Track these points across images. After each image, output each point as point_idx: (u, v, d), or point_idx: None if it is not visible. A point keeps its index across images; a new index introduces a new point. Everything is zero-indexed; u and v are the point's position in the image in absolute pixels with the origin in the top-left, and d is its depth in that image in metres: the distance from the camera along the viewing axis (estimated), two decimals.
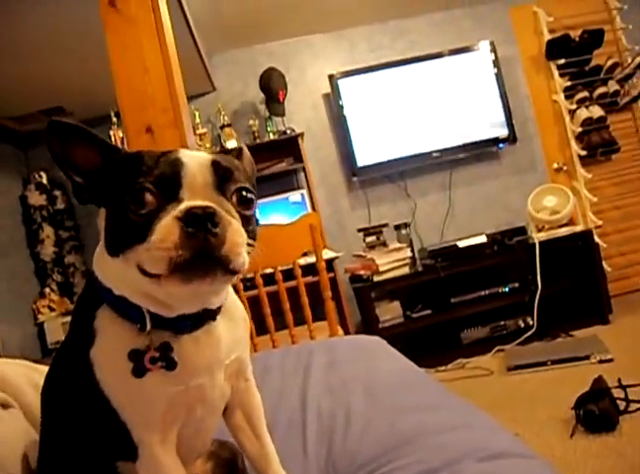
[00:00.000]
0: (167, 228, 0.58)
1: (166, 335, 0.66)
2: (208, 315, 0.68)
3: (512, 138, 4.24)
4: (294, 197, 4.01)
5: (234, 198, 0.64)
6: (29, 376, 0.94)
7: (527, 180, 4.30)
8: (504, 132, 4.22)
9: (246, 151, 0.77)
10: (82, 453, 0.74)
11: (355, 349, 1.50)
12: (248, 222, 0.64)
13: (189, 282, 0.58)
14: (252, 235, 0.64)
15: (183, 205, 0.59)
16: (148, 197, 0.60)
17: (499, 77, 4.24)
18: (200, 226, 0.57)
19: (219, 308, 0.70)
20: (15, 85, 3.58)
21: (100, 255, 0.69)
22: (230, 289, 0.76)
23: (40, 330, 4.01)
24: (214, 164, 0.63)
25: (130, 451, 0.67)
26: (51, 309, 4.10)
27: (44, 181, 4.31)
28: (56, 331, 3.95)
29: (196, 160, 0.63)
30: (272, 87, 3.92)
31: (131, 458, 0.68)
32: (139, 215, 0.59)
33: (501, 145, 4.26)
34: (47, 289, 4.20)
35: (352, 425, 0.96)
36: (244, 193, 0.65)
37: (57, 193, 4.34)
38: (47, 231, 4.25)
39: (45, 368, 0.99)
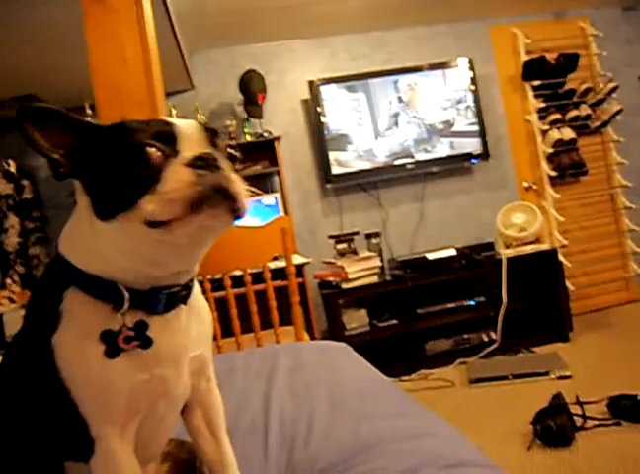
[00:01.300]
0: (178, 173, 0.59)
1: (139, 315, 0.65)
2: (180, 297, 0.68)
3: (485, 155, 4.31)
4: (268, 200, 4.00)
5: (226, 153, 0.66)
6: None
7: (498, 196, 4.38)
8: (478, 148, 4.29)
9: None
10: (28, 452, 0.71)
11: (320, 354, 1.50)
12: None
13: (200, 214, 0.58)
14: None
15: (188, 154, 0.61)
16: (151, 150, 0.60)
17: (475, 94, 4.31)
18: (209, 168, 0.60)
19: (189, 293, 0.70)
20: None
21: (72, 232, 0.68)
22: (198, 289, 0.75)
23: (0, 322, 3.90)
24: (200, 124, 0.66)
25: (84, 449, 0.65)
26: (12, 301, 4.00)
27: (12, 169, 4.21)
28: (15, 323, 3.84)
29: (182, 122, 0.65)
30: (251, 89, 3.91)
31: (82, 458, 0.66)
32: (146, 168, 0.60)
33: (474, 161, 4.32)
34: (9, 280, 4.09)
35: (314, 430, 0.95)
36: (232, 150, 0.67)
37: (25, 182, 4.24)
38: (12, 221, 4.14)
39: None
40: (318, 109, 4.13)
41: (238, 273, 2.29)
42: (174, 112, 4.02)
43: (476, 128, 4.29)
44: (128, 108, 1.93)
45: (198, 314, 0.73)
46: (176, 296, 0.68)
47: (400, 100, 4.27)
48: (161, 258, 0.64)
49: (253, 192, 0.65)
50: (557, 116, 4.43)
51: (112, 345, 0.63)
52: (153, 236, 0.60)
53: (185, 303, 0.69)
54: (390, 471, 0.75)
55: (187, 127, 0.64)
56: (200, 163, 0.60)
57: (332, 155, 4.13)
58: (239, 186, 0.62)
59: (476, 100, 4.31)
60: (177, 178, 0.59)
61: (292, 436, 0.96)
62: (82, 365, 0.63)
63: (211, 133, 0.66)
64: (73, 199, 4.36)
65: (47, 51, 3.31)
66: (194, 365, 0.72)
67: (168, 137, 0.62)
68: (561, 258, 4.00)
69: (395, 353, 3.70)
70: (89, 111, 3.84)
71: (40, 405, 0.67)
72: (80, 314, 0.64)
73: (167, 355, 0.67)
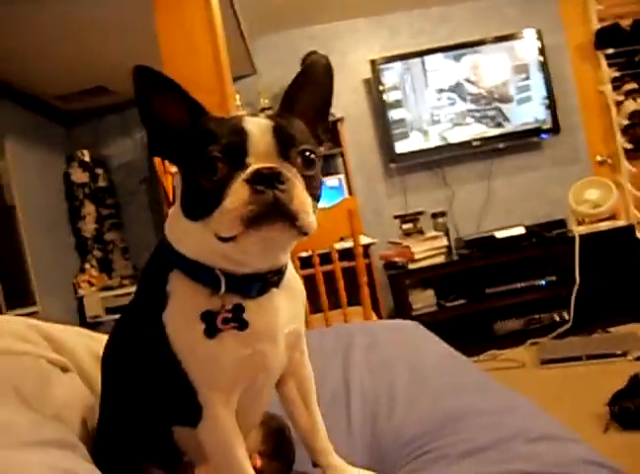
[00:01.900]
0: (237, 191, 0.61)
1: (235, 298, 0.69)
2: (273, 282, 0.71)
3: (555, 129, 4.15)
4: (332, 181, 4.02)
5: (298, 160, 0.66)
6: (87, 344, 0.98)
7: (569, 172, 4.22)
8: (547, 123, 4.14)
9: (318, 63, 0.75)
10: (140, 416, 0.77)
11: (394, 332, 1.51)
12: (312, 182, 0.67)
13: (259, 230, 0.61)
14: (316, 196, 0.67)
15: (249, 169, 0.62)
16: (219, 164, 0.63)
17: (544, 66, 4.15)
18: (267, 184, 0.61)
19: (281, 278, 0.73)
20: (60, 65, 3.67)
21: (174, 220, 0.72)
22: (290, 266, 0.78)
23: (80, 304, 4.13)
24: (276, 130, 0.65)
25: (191, 414, 0.70)
26: (91, 284, 4.22)
27: (87, 158, 4.41)
28: (95, 305, 4.07)
29: (258, 128, 0.65)
30: None
31: (190, 422, 0.71)
32: (211, 182, 0.63)
33: (543, 136, 4.18)
34: (87, 265, 4.32)
35: (396, 405, 0.97)
36: (307, 154, 0.67)
37: (99, 170, 4.44)
38: (89, 208, 4.36)
39: (104, 337, 1.02)
40: (380, 88, 4.09)
41: (305, 254, 2.32)
42: (238, 97, 4.09)
43: (545, 102, 4.14)
44: (198, 97, 1.97)
45: (291, 293, 0.76)
46: (268, 282, 0.71)
47: (464, 75, 4.16)
48: (241, 259, 0.67)
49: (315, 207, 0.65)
50: (633, 85, 4.21)
51: (211, 325, 0.67)
52: (227, 245, 0.63)
53: (277, 287, 0.72)
54: (475, 442, 0.76)
55: (259, 136, 0.64)
56: (261, 179, 0.61)
57: (395, 134, 4.09)
58: (299, 203, 0.62)
59: (545, 72, 4.15)
60: (235, 197, 0.61)
61: (374, 410, 0.98)
62: (190, 342, 0.68)
63: (284, 141, 0.65)
64: (144, 186, 4.54)
65: (116, 44, 3.43)
66: (289, 340, 0.76)
67: (238, 150, 0.63)
68: (638, 234, 3.82)
69: (463, 333, 3.66)
70: None
71: (152, 374, 0.72)
72: (183, 295, 0.69)
73: (264, 333, 0.71)
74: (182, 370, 0.68)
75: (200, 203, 0.64)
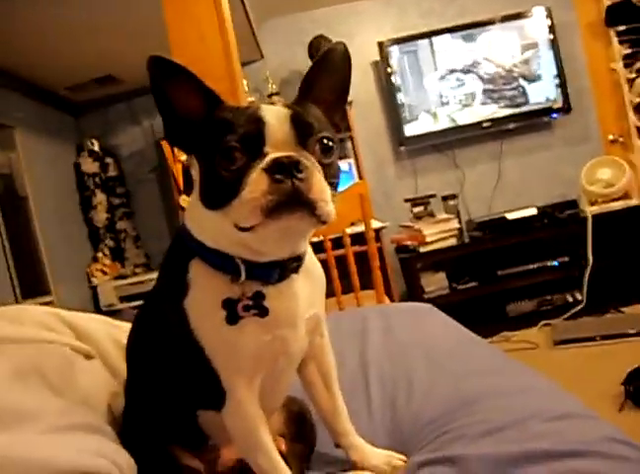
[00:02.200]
0: (256, 180, 0.61)
1: (255, 285, 0.69)
2: (292, 268, 0.72)
3: (566, 108, 4.10)
4: (342, 165, 4.00)
5: (316, 148, 0.66)
6: (109, 332, 0.99)
7: (581, 151, 4.17)
8: (558, 102, 4.09)
9: (337, 50, 0.75)
10: (165, 401, 0.79)
11: (409, 315, 1.51)
12: (330, 170, 0.67)
13: (279, 219, 0.61)
14: (334, 185, 0.67)
15: (268, 158, 0.62)
16: (236, 154, 0.63)
17: (554, 44, 4.09)
18: (286, 173, 0.60)
19: (300, 264, 0.73)
20: (69, 56, 3.67)
21: (193, 209, 0.72)
22: (310, 251, 0.78)
23: (94, 293, 4.18)
24: (294, 118, 0.65)
25: (215, 398, 0.71)
26: (104, 273, 4.26)
27: (97, 148, 4.42)
28: (109, 294, 4.11)
29: (276, 116, 0.65)
30: None
31: (214, 406, 0.72)
32: (229, 172, 0.63)
33: (554, 115, 4.13)
34: (100, 254, 4.35)
35: (414, 389, 0.98)
36: (325, 141, 0.67)
37: (109, 160, 4.45)
38: (100, 198, 4.38)
39: (124, 324, 1.04)
40: (388, 70, 4.06)
41: (316, 239, 2.32)
42: (245, 83, 4.07)
43: (556, 81, 4.09)
44: (209, 83, 1.97)
45: (310, 278, 0.76)
46: (288, 268, 0.71)
47: (473, 55, 4.11)
48: (260, 248, 0.67)
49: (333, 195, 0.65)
50: None
51: (232, 312, 0.68)
52: (246, 234, 0.63)
53: (297, 273, 0.73)
54: (494, 423, 0.77)
55: (277, 124, 0.64)
56: (280, 169, 0.60)
57: (404, 117, 4.06)
58: (318, 192, 0.62)
59: (555, 50, 4.09)
60: (254, 187, 0.61)
61: (393, 394, 0.99)
62: (211, 329, 0.69)
63: (302, 129, 0.65)
64: (155, 175, 4.55)
65: (124, 32, 3.42)
66: (309, 325, 0.77)
67: (256, 139, 0.63)
68: None
69: (476, 315, 3.64)
70: None
71: (176, 360, 0.74)
72: (204, 283, 0.70)
73: (284, 319, 0.72)
74: (205, 357, 0.69)
75: (219, 193, 0.64)
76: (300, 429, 0.88)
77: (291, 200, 0.60)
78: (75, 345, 0.88)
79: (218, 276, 0.69)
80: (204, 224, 0.70)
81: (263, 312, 0.69)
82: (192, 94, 0.68)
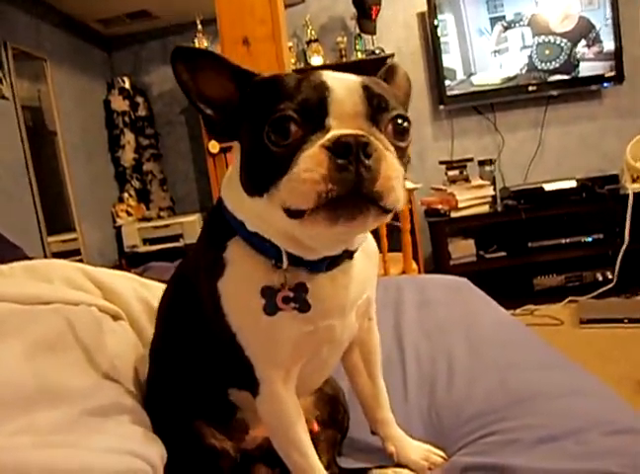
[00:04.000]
0: (314, 158, 0.51)
1: (301, 273, 0.62)
2: (347, 254, 0.64)
3: (619, 78, 3.87)
4: None
5: (389, 128, 0.57)
6: (136, 290, 0.95)
7: (629, 125, 3.96)
8: (611, 70, 3.86)
9: (400, 68, 0.69)
10: (194, 375, 0.74)
11: (445, 290, 1.45)
12: (402, 155, 0.57)
13: (335, 223, 0.52)
14: (405, 169, 0.57)
15: (330, 134, 0.52)
16: (291, 125, 0.53)
17: (614, 8, 3.82)
18: (352, 157, 0.51)
19: (354, 251, 0.66)
20: None
21: (230, 186, 0.64)
22: None
23: (118, 233, 4.17)
24: (366, 89, 0.55)
25: (249, 384, 0.66)
26: (129, 214, 4.24)
27: (127, 86, 4.33)
28: (132, 235, 4.10)
29: (344, 84, 0.55)
30: (365, 1, 3.69)
31: (245, 388, 0.67)
32: (281, 147, 0.53)
33: (605, 84, 3.91)
34: (126, 195, 4.32)
35: (455, 374, 0.92)
36: (400, 121, 0.57)
37: (139, 99, 4.36)
38: (128, 137, 4.31)
39: (152, 284, 0.99)
40: (435, 22, 3.85)
41: None
42: None
43: (611, 47, 3.84)
44: (251, 26, 1.87)
45: (365, 257, 0.69)
46: (341, 257, 0.63)
47: (525, 14, 3.88)
48: (309, 244, 0.59)
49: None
50: None
51: (271, 302, 0.61)
52: (294, 224, 0.54)
53: (351, 258, 0.65)
54: (548, 429, 0.71)
55: (344, 92, 0.54)
56: (343, 150, 0.50)
57: (447, 74, 3.87)
58: (386, 181, 0.52)
59: (614, 15, 3.83)
60: (312, 162, 0.51)
61: (432, 378, 0.94)
62: (246, 316, 0.62)
63: (376, 103, 0.55)
64: (185, 116, 4.46)
65: None
66: (360, 309, 0.70)
67: (318, 108, 0.53)
68: None
69: (501, 285, 3.57)
70: (200, 27, 3.81)
71: (207, 340, 0.68)
72: (242, 265, 0.62)
73: (333, 309, 0.64)
74: (237, 343, 0.63)
75: (266, 172, 0.54)
76: (332, 413, 0.84)
77: (353, 194, 0.51)
78: (103, 305, 0.83)
79: (259, 260, 0.62)
80: (244, 206, 0.61)
81: (304, 307, 0.61)
82: (220, 76, 0.60)
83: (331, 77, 0.56)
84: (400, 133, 0.57)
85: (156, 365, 0.80)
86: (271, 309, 0.61)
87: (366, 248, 0.69)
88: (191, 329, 0.72)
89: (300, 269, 0.62)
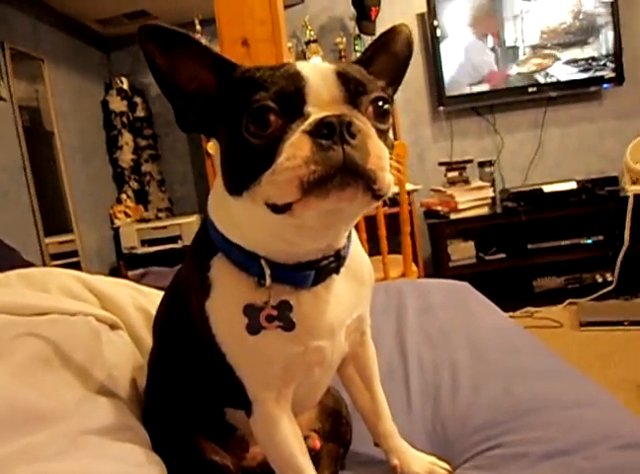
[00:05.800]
0: (295, 144, 0.49)
1: (285, 290, 0.60)
2: (331, 268, 0.62)
3: (619, 79, 3.86)
4: None
5: (369, 111, 0.55)
6: (135, 298, 0.93)
7: (629, 126, 3.95)
8: (610, 72, 3.85)
9: (403, 32, 0.65)
10: (191, 393, 0.72)
11: (447, 294, 1.44)
12: (385, 138, 0.55)
13: (326, 197, 0.49)
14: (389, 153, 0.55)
15: (311, 118, 0.50)
16: (270, 115, 0.51)
17: (614, 8, 3.81)
18: (336, 137, 0.49)
19: (341, 263, 0.63)
20: None
21: (215, 198, 0.63)
22: (355, 236, 0.68)
23: (116, 234, 4.15)
24: (340, 75, 0.54)
25: (242, 403, 0.64)
26: (127, 215, 4.22)
27: (125, 86, 4.31)
28: (131, 237, 4.08)
29: (319, 71, 0.54)
30: (364, 2, 3.68)
31: (241, 407, 0.65)
32: (262, 138, 0.51)
33: (605, 85, 3.90)
34: (124, 196, 4.30)
35: (459, 383, 0.91)
36: (380, 103, 0.55)
37: (138, 100, 4.34)
38: (127, 138, 4.29)
39: (151, 291, 0.98)
40: (435, 23, 3.83)
41: None
42: None
43: (611, 48, 3.83)
44: (250, 27, 1.85)
45: (355, 276, 0.66)
46: (326, 268, 0.61)
47: (525, 16, 3.86)
48: (294, 239, 0.57)
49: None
50: None
51: (254, 321, 0.59)
52: (279, 219, 0.51)
53: (337, 273, 0.63)
54: (556, 443, 0.69)
55: (320, 79, 0.53)
56: (326, 131, 0.48)
57: (446, 75, 3.86)
58: (377, 159, 0.50)
59: (615, 15, 3.82)
60: (294, 152, 0.48)
61: (435, 386, 0.92)
62: (233, 336, 0.60)
63: (353, 87, 0.53)
64: None
65: None
66: (352, 327, 0.68)
67: (295, 97, 0.52)
68: None
69: (500, 287, 3.57)
70: (198, 27, 3.79)
71: (201, 360, 0.66)
72: (227, 284, 0.61)
73: (320, 329, 0.62)
74: (227, 364, 0.61)
75: (247, 168, 0.52)
76: (334, 426, 0.82)
77: (342, 173, 0.48)
78: (100, 314, 0.82)
79: (242, 278, 0.60)
80: (228, 215, 0.59)
81: (288, 325, 0.59)
82: (197, 62, 0.57)
83: (305, 66, 0.55)
84: (381, 115, 0.55)
85: (154, 379, 0.78)
86: (254, 328, 0.59)
87: (355, 267, 0.66)
88: (185, 347, 0.70)
89: (284, 286, 0.60)
